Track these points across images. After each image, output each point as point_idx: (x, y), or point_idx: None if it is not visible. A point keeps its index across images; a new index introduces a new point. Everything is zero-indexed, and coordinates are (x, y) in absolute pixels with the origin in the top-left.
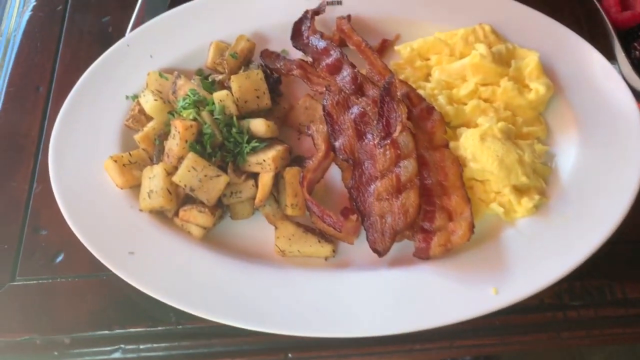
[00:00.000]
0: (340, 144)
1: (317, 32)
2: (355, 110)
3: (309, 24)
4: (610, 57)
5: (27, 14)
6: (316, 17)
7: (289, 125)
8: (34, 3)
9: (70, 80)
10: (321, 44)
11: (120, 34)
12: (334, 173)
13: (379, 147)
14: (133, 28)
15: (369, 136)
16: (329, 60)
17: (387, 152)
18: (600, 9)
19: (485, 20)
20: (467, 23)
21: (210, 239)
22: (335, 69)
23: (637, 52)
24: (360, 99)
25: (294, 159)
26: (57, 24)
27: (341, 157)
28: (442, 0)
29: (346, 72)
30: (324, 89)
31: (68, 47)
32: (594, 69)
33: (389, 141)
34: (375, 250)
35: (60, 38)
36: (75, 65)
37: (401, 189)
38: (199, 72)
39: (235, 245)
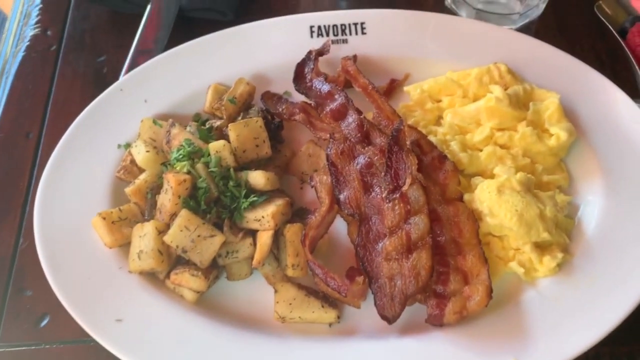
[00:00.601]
0: (345, 196)
1: (321, 74)
2: (361, 160)
3: (312, 66)
4: (635, 96)
5: (20, 55)
6: (320, 58)
7: (291, 173)
8: (27, 43)
9: (62, 126)
10: (325, 88)
11: (116, 74)
12: (339, 226)
13: (387, 201)
14: (128, 70)
15: (377, 189)
16: (333, 106)
17: (396, 207)
18: (624, 45)
19: (501, 59)
20: (481, 62)
21: (205, 303)
22: (340, 114)
23: None
24: (366, 148)
25: (296, 212)
26: (50, 65)
27: (346, 211)
28: (454, 37)
29: (351, 119)
30: (328, 135)
31: (61, 90)
32: (619, 110)
33: (397, 195)
34: (384, 317)
35: (53, 80)
36: (68, 110)
37: (412, 248)
38: (196, 117)
39: (232, 309)
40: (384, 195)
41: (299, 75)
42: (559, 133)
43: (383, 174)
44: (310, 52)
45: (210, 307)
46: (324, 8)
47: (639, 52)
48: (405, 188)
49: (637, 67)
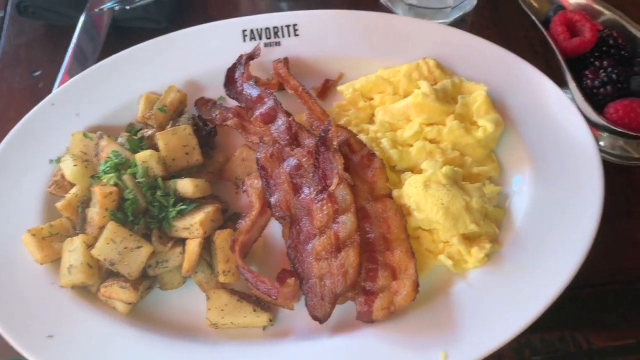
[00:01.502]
0: (276, 200)
1: (252, 78)
2: (290, 162)
3: (243, 70)
4: (564, 84)
5: None
6: (255, 62)
7: (226, 179)
8: None
9: None
10: (255, 92)
11: (52, 89)
12: (276, 229)
13: (316, 202)
14: (62, 84)
15: (306, 190)
16: (263, 109)
17: (325, 208)
18: (548, 37)
19: (432, 54)
20: (413, 58)
21: (139, 314)
22: (270, 118)
23: (589, 81)
24: (295, 150)
25: (231, 217)
26: None
27: (277, 214)
28: (386, 34)
29: (281, 122)
30: (259, 140)
31: None
32: (548, 100)
33: (326, 195)
34: (315, 318)
35: None
36: (4, 127)
37: (341, 247)
38: (130, 128)
39: (166, 318)
40: (312, 196)
41: (230, 81)
42: (486, 125)
43: (311, 175)
44: (241, 57)
45: (144, 317)
46: (263, 12)
47: (561, 41)
48: (332, 188)
49: (560, 56)
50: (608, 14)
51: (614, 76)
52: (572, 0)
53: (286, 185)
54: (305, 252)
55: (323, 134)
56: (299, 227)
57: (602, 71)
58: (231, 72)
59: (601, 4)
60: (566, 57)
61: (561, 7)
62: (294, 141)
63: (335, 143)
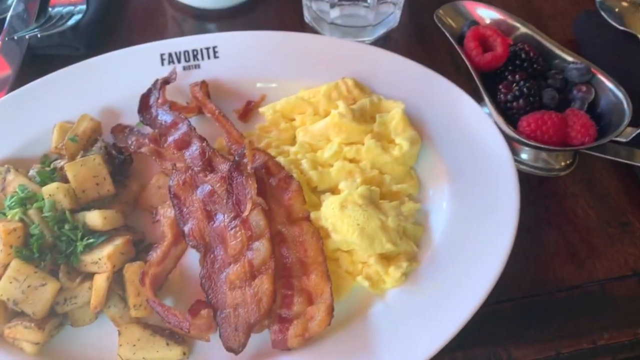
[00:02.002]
0: (189, 228)
1: (167, 102)
2: (204, 189)
3: (157, 95)
4: (481, 99)
5: None
6: (170, 86)
7: (142, 208)
8: None
9: None
10: (169, 118)
11: None
12: (194, 257)
13: (229, 228)
14: None
15: (220, 217)
16: (176, 135)
17: (238, 234)
18: (461, 53)
19: (352, 73)
20: (333, 77)
21: (49, 353)
22: (184, 143)
23: (502, 95)
24: (208, 176)
25: (145, 248)
26: None
27: (190, 243)
28: (306, 54)
29: (195, 147)
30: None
31: None
32: (466, 115)
33: (239, 221)
34: (229, 349)
35: None
36: None
37: (255, 274)
38: (44, 159)
39: (78, 356)
40: (226, 223)
41: (144, 106)
42: (402, 143)
43: (225, 201)
44: (156, 81)
45: (55, 356)
46: (189, 34)
47: (474, 56)
48: (246, 214)
49: (472, 71)
50: (522, 29)
51: (525, 90)
52: (486, 16)
53: (199, 212)
54: (219, 281)
55: (237, 159)
56: (212, 256)
57: (514, 85)
58: (145, 97)
59: (515, 19)
60: (480, 72)
61: (474, 23)
62: (208, 166)
63: (249, 167)
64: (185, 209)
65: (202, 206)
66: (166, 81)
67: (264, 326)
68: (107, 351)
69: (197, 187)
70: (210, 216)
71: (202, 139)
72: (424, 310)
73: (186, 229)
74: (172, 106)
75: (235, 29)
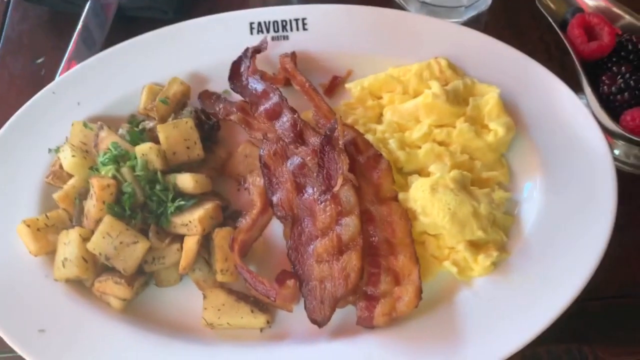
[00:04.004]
0: (278, 198)
1: (257, 72)
2: (294, 161)
3: (248, 64)
4: (579, 89)
5: None
6: (261, 56)
7: (228, 175)
8: None
9: None
10: (260, 87)
11: (55, 77)
12: (277, 228)
13: (319, 202)
14: (63, 72)
15: (309, 190)
16: (267, 105)
17: (327, 208)
18: (565, 40)
19: (443, 53)
20: (424, 56)
21: (133, 310)
22: (275, 114)
23: (605, 87)
24: (299, 149)
25: (231, 215)
26: None
27: (279, 213)
28: (397, 32)
29: (286, 118)
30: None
31: None
32: (562, 105)
33: (329, 196)
34: (313, 321)
35: None
36: (3, 114)
37: (343, 249)
38: (131, 119)
39: (161, 316)
40: (315, 196)
41: (235, 74)
42: (497, 129)
43: (315, 174)
44: (246, 50)
45: (139, 314)
46: (272, 4)
47: (578, 44)
48: (336, 189)
49: (576, 60)
50: (627, 18)
51: (631, 82)
52: (590, 3)
53: (289, 184)
54: (306, 254)
55: (328, 133)
56: (300, 228)
57: (619, 77)
58: (236, 64)
59: (620, 7)
60: (583, 61)
61: (579, 9)
62: (299, 139)
63: (340, 142)
64: (274, 179)
65: (291, 178)
66: (257, 50)
67: (347, 302)
68: (188, 313)
69: (287, 159)
70: (299, 188)
71: (293, 110)
72: (512, 302)
73: (274, 198)
74: (262, 76)
75: (319, 2)
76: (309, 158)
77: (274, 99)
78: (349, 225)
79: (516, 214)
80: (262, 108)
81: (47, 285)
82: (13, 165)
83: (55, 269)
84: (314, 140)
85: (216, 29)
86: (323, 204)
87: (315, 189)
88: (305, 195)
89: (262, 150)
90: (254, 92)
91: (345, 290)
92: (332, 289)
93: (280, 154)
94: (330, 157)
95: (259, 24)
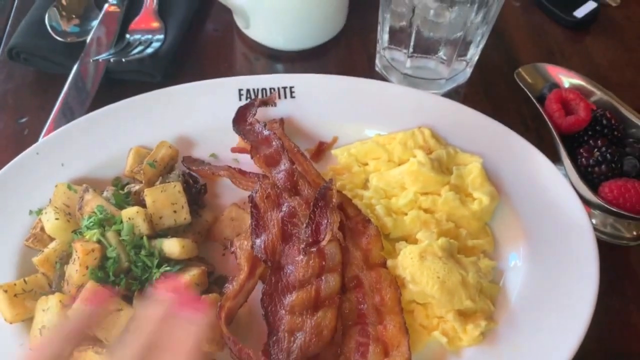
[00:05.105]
0: (262, 241)
1: (259, 122)
2: (285, 208)
3: (254, 112)
4: (557, 160)
5: None
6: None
7: (213, 239)
8: None
9: None
10: (265, 132)
11: (38, 137)
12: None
13: (304, 253)
14: (48, 132)
15: (295, 240)
16: (268, 150)
17: (311, 262)
18: (543, 113)
19: (426, 123)
20: (408, 126)
21: None
22: (273, 160)
23: (584, 159)
24: (293, 197)
25: (215, 280)
26: None
27: (260, 256)
28: (381, 102)
29: (284, 166)
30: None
31: None
32: (541, 174)
33: (315, 249)
34: None
35: None
36: None
37: (319, 305)
38: (116, 181)
39: None
40: (301, 247)
41: (241, 117)
42: (481, 197)
43: (305, 226)
44: (255, 99)
45: None
46: (258, 71)
47: (556, 118)
48: (323, 243)
49: (554, 133)
50: (599, 94)
51: (608, 156)
52: (565, 79)
53: (276, 229)
54: (280, 303)
55: (324, 189)
56: (278, 275)
57: (596, 150)
58: (244, 109)
59: (593, 84)
60: (560, 134)
61: (555, 85)
62: (293, 188)
63: (334, 200)
64: (261, 222)
65: (280, 225)
66: (265, 102)
67: None
68: None
69: (279, 205)
70: (286, 236)
71: (292, 161)
72: None
73: (258, 241)
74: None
75: (306, 71)
76: (301, 208)
77: (275, 146)
78: (330, 281)
79: (502, 283)
80: (262, 153)
81: (21, 355)
82: None
83: (31, 337)
84: (307, 192)
85: (205, 94)
86: (307, 256)
87: (301, 240)
88: (290, 244)
89: (254, 192)
90: (257, 135)
91: (316, 346)
92: (302, 343)
93: (272, 199)
94: (322, 211)
95: (248, 90)
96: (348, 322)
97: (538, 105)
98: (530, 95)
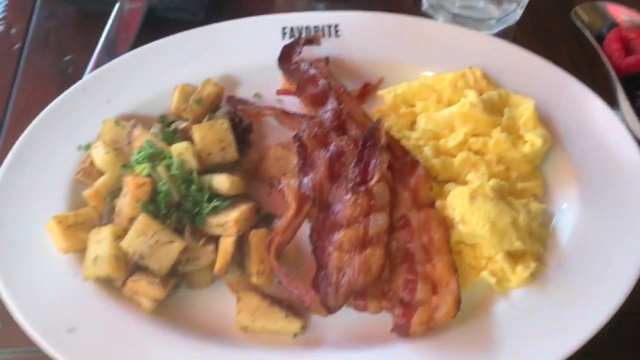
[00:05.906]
0: (310, 179)
1: (304, 61)
2: (333, 147)
3: (299, 50)
4: (613, 104)
5: None
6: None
7: (259, 178)
8: None
9: (22, 128)
10: (311, 71)
11: (82, 75)
12: (307, 230)
13: (352, 193)
14: (92, 69)
15: (343, 179)
16: (314, 90)
17: (359, 200)
18: (601, 53)
19: (477, 64)
20: (457, 66)
21: (164, 312)
22: (320, 100)
23: None
24: (341, 137)
25: (263, 218)
26: (12, 65)
27: (307, 193)
28: (430, 41)
29: (331, 106)
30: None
31: (23, 91)
32: (596, 118)
33: (363, 189)
34: (324, 306)
35: (15, 81)
36: (29, 111)
37: (367, 243)
38: (162, 119)
39: (192, 318)
40: (349, 186)
41: (286, 55)
42: (533, 140)
43: (352, 165)
44: (299, 37)
45: (169, 316)
46: (299, 10)
47: (615, 58)
48: (372, 183)
49: (614, 74)
50: None
51: None
52: (625, 17)
53: (323, 168)
54: (328, 240)
55: (372, 129)
56: (326, 214)
57: None
58: (289, 48)
59: None
60: (619, 76)
61: (615, 24)
62: (340, 128)
63: (383, 139)
64: (309, 160)
65: (327, 163)
66: (309, 41)
67: (381, 308)
68: (220, 316)
69: (326, 144)
70: (333, 175)
71: (339, 100)
72: (551, 315)
73: (306, 179)
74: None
75: (349, 9)
76: (349, 148)
77: (322, 85)
78: (378, 220)
79: (552, 226)
80: (308, 92)
81: (75, 285)
82: (41, 161)
83: (85, 267)
84: (355, 132)
85: (249, 32)
86: (355, 195)
87: (349, 179)
88: (338, 183)
89: (301, 131)
90: (303, 74)
91: (364, 282)
92: (350, 278)
93: (319, 138)
94: (371, 151)
95: (292, 28)
96: (396, 260)
97: (597, 45)
98: (588, 33)
